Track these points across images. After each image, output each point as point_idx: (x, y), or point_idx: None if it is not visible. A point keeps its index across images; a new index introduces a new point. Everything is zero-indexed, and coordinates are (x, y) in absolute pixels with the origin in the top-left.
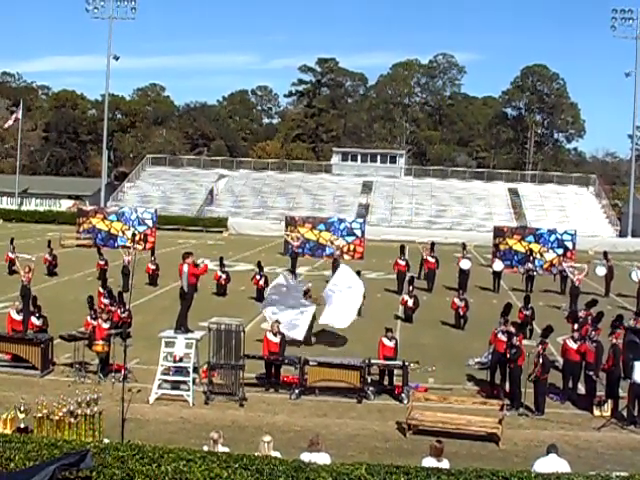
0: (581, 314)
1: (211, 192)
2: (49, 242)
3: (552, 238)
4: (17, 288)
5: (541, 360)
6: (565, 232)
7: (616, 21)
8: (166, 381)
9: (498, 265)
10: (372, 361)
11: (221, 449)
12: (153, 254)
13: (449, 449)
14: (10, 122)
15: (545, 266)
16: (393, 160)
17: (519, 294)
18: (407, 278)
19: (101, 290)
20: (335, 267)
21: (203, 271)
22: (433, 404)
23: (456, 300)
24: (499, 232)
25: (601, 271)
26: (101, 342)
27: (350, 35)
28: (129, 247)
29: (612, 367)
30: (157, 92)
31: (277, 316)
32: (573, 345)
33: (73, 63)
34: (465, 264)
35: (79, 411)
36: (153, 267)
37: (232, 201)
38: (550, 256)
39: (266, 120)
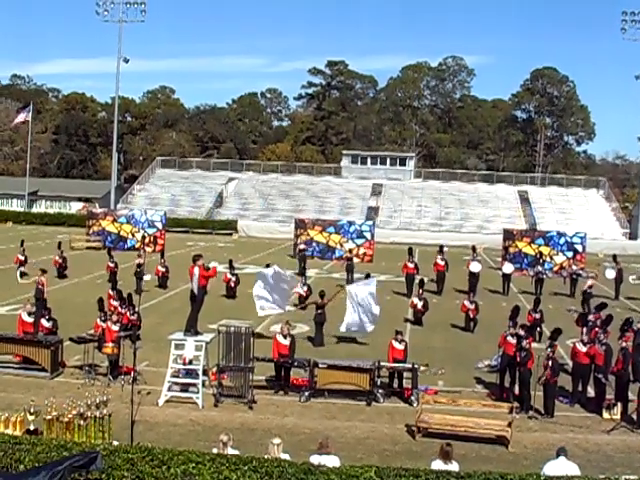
0: (591, 317)
1: (220, 195)
2: (59, 244)
3: (562, 241)
4: (26, 290)
5: (550, 363)
6: (575, 235)
7: (626, 23)
8: (176, 383)
9: (508, 268)
10: (382, 364)
11: (230, 451)
12: (162, 256)
13: (458, 452)
14: (17, 121)
15: (555, 269)
16: (403, 163)
17: (529, 297)
18: (416, 281)
19: (111, 292)
20: (348, 268)
21: (213, 273)
22: (442, 407)
23: (466, 303)
24: (509, 235)
25: (610, 274)
26: (111, 344)
27: (360, 38)
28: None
29: (621, 370)
30: (167, 95)
31: (266, 311)
32: (582, 348)
33: (83, 66)
34: (475, 267)
35: (89, 413)
36: (163, 269)
37: (242, 203)
38: (560, 259)
39: (276, 123)
